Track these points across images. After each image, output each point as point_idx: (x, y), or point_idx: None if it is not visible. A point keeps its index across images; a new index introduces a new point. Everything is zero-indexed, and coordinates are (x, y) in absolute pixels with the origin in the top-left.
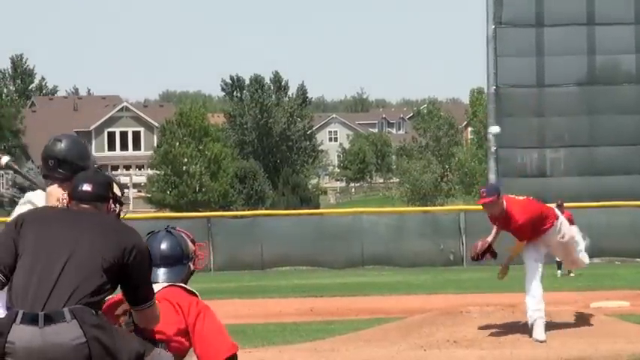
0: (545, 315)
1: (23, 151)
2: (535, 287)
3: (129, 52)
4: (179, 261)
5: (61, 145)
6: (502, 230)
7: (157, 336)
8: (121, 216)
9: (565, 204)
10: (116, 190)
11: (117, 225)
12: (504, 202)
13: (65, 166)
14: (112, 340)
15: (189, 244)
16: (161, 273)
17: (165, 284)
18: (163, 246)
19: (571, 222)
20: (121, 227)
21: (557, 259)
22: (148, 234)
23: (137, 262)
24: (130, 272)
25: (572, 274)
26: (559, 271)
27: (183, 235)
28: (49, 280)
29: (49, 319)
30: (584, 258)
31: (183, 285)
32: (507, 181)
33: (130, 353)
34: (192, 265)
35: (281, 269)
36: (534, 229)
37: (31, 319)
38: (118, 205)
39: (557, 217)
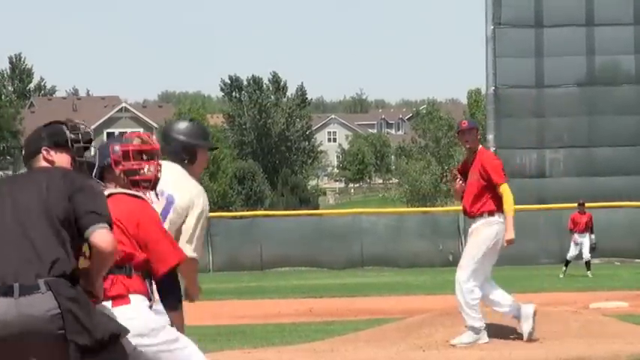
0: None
1: (22, 152)
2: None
3: (128, 52)
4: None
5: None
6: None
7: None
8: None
9: (563, 205)
10: (70, 134)
11: (62, 174)
12: (479, 146)
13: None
14: (87, 315)
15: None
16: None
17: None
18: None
19: (590, 224)
20: (67, 176)
21: (568, 258)
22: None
23: (83, 197)
24: (77, 207)
25: (589, 275)
26: (564, 268)
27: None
28: (16, 250)
29: (24, 290)
30: (469, 287)
31: (125, 191)
32: None
33: (104, 332)
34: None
35: (280, 270)
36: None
37: (5, 292)
38: (75, 149)
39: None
